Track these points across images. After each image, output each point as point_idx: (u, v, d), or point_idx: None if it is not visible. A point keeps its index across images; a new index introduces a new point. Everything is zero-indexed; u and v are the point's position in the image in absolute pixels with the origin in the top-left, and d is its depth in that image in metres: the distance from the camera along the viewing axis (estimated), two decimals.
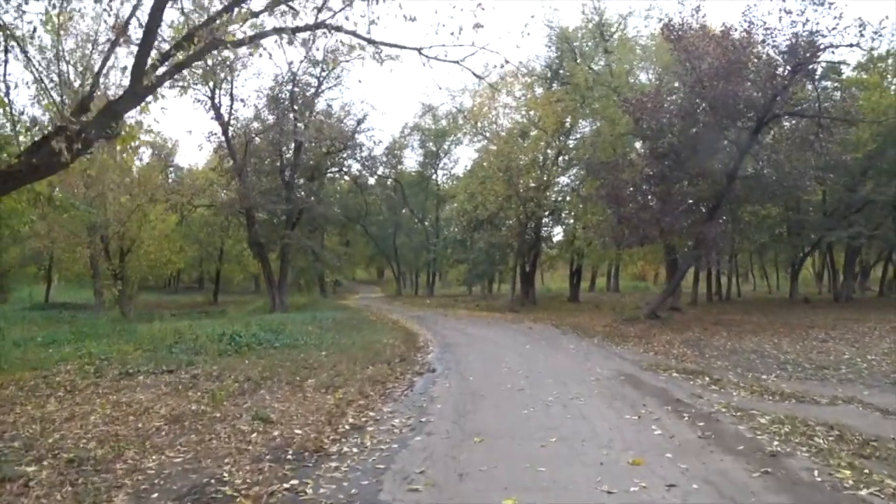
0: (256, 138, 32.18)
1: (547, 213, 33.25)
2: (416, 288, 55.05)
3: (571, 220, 35.25)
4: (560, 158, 32.06)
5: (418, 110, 63.25)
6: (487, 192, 29.91)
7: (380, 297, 49.07)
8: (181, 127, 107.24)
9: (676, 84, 23.34)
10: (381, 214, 54.20)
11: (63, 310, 36.79)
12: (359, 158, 37.13)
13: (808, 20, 19.74)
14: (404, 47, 10.97)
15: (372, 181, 45.90)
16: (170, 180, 37.49)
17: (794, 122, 22.53)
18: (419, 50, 10.98)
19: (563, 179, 34.05)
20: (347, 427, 7.97)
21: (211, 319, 25.70)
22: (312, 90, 32.64)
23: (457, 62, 11.21)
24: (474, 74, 11.43)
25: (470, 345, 17.11)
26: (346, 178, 41.08)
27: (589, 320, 23.80)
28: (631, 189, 22.54)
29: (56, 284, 45.10)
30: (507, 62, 10.74)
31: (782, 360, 13.50)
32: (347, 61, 28.59)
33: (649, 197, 22.38)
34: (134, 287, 41.49)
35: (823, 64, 23.08)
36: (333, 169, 36.99)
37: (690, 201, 22.92)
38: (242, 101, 31.26)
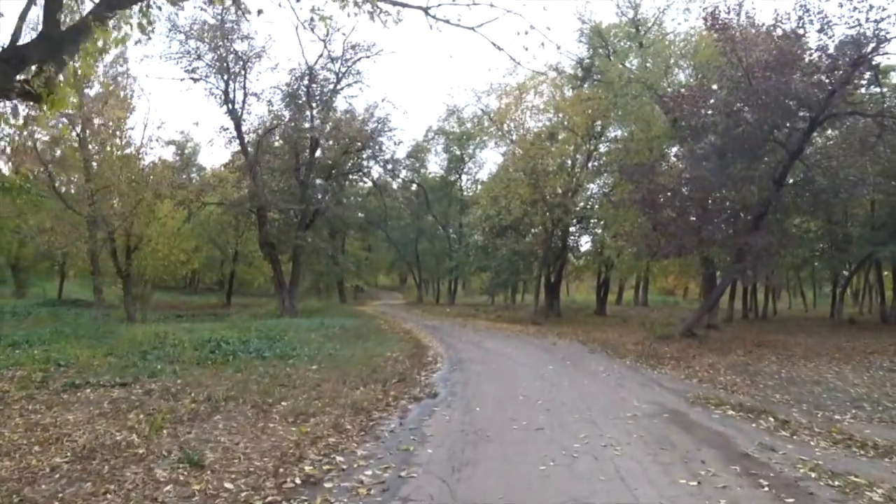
0: (275, 136, 30.37)
1: (575, 220, 30.86)
2: (438, 296, 52.74)
3: (600, 230, 32.83)
4: (590, 164, 29.63)
5: (442, 113, 61.08)
6: (512, 196, 27.61)
7: (400, 305, 46.95)
8: (201, 124, 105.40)
9: (715, 86, 20.79)
10: (402, 219, 52.13)
11: (73, 307, 35.32)
12: (379, 160, 34.96)
13: (871, 6, 17.22)
14: (407, 5, 8.96)
15: (394, 185, 43.80)
16: (193, 180, 35.26)
17: (849, 122, 19.95)
18: (425, 10, 8.96)
19: (593, 186, 31.68)
20: (298, 481, 5.77)
21: (214, 322, 23.79)
22: (331, 86, 30.69)
23: (472, 28, 9.19)
24: (494, 45, 9.36)
25: (484, 362, 14.81)
26: (366, 179, 38.96)
27: (618, 337, 21.42)
28: (668, 194, 20.11)
29: (73, 281, 43.72)
30: (532, 28, 8.68)
31: (853, 395, 11.03)
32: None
33: (688, 203, 19.82)
34: (147, 286, 39.94)
35: (887, 60, 20.44)
36: (353, 170, 34.72)
37: (731, 210, 20.42)
38: (256, 95, 29.23)
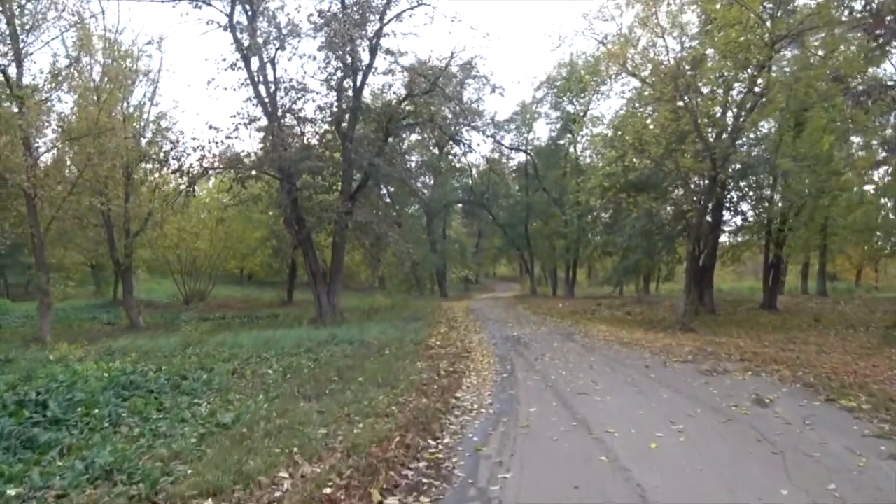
0: (300, 72, 21.09)
1: (735, 169, 18.81)
2: (555, 286, 41.15)
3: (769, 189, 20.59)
4: (772, 70, 17.23)
5: (551, 66, 49.01)
6: (643, 128, 16.38)
7: (507, 298, 36.11)
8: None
9: None
10: (511, 197, 41.58)
11: (110, 309, 27.88)
12: (456, 108, 24.22)
13: None
14: None
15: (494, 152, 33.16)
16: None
17: None
18: None
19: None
20: None
21: (167, 339, 14.79)
22: (381, 3, 20.52)
23: None
24: None
25: None
26: (428, 134, 28.38)
27: (871, 369, 10.09)
28: None
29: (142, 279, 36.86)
30: None
31: None
32: None
33: None
34: (205, 281, 32.47)
35: None
36: (417, 119, 23.92)
37: None
38: (275, 18, 19.44)
